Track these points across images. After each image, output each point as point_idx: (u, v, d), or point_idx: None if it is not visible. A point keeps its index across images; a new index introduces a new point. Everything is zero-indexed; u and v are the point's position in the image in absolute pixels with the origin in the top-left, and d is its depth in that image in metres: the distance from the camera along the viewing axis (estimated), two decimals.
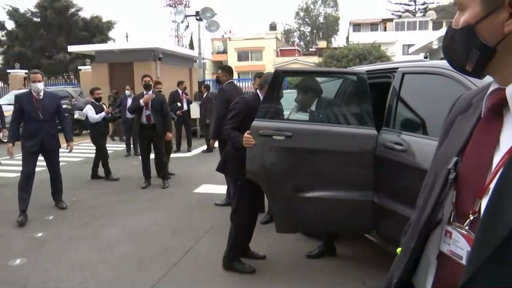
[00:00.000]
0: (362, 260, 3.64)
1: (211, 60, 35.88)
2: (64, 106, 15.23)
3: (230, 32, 47.07)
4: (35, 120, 4.92)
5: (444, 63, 2.56)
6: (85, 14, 30.81)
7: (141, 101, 6.34)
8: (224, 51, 45.80)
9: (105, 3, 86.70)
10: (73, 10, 29.45)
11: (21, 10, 28.70)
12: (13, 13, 28.30)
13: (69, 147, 5.41)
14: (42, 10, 28.30)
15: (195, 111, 10.70)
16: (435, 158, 0.91)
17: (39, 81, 4.94)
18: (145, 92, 6.48)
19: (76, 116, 14.79)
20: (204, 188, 6.41)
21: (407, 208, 2.57)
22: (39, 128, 4.93)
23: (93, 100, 7.33)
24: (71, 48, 15.75)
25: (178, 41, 50.86)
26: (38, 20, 28.94)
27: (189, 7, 44.07)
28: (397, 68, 3.18)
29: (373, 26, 42.14)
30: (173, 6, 51.53)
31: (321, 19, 59.66)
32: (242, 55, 44.76)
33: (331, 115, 3.70)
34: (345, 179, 3.09)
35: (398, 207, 2.75)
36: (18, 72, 19.47)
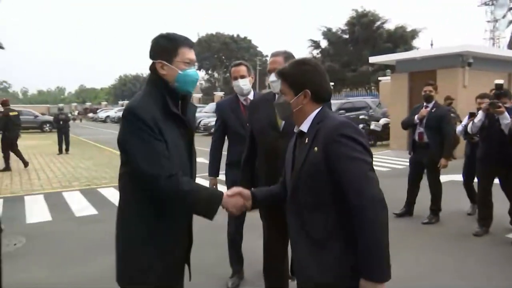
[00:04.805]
0: None
1: None
2: (361, 116, 15.81)
3: None
4: (241, 138, 2.97)
5: None
6: (390, 25, 31.29)
7: (416, 116, 5.29)
8: None
9: (412, 11, 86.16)
10: (378, 23, 30.67)
11: (333, 30, 32.14)
12: (327, 33, 32.17)
13: None
14: (351, 27, 30.94)
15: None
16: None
17: (242, 77, 3.16)
18: (425, 105, 5.37)
19: (372, 126, 14.93)
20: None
21: None
22: None
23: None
24: (372, 59, 15.92)
25: (493, 44, 44.39)
26: (347, 36, 31.72)
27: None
28: None
29: None
30: (490, 3, 45.30)
31: None
32: None
33: None
34: None
35: None
36: None
